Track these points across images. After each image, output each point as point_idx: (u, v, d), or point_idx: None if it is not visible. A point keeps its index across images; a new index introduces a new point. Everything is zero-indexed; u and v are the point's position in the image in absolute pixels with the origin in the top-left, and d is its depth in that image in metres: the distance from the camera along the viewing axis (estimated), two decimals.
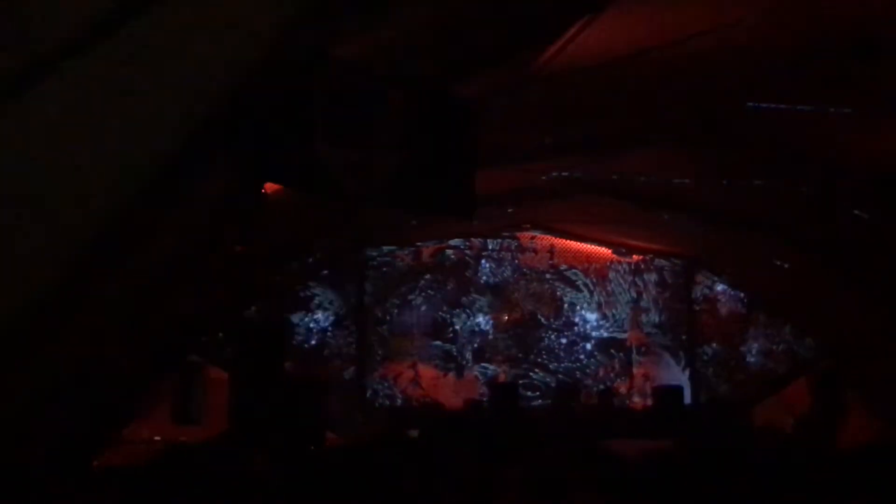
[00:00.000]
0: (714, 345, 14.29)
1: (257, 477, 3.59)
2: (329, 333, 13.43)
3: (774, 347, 13.76)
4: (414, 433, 9.39)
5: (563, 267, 14.24)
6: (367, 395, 13.44)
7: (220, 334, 11.47)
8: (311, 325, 13.29)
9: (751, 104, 7.70)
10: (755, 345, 13.96)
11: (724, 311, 14.35)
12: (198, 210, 6.18)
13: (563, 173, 10.28)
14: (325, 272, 13.39)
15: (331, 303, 13.46)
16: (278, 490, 3.63)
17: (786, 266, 11.75)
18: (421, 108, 5.13)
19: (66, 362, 5.84)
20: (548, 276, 14.23)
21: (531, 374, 13.88)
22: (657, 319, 14.43)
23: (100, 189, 3.95)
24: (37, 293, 4.02)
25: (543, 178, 10.45)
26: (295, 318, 13.09)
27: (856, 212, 9.53)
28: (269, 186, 7.23)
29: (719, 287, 14.39)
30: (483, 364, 13.80)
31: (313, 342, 13.29)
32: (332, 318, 13.45)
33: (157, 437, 10.48)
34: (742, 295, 14.12)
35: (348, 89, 4.74)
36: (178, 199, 5.49)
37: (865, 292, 10.88)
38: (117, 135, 4.15)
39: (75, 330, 5.57)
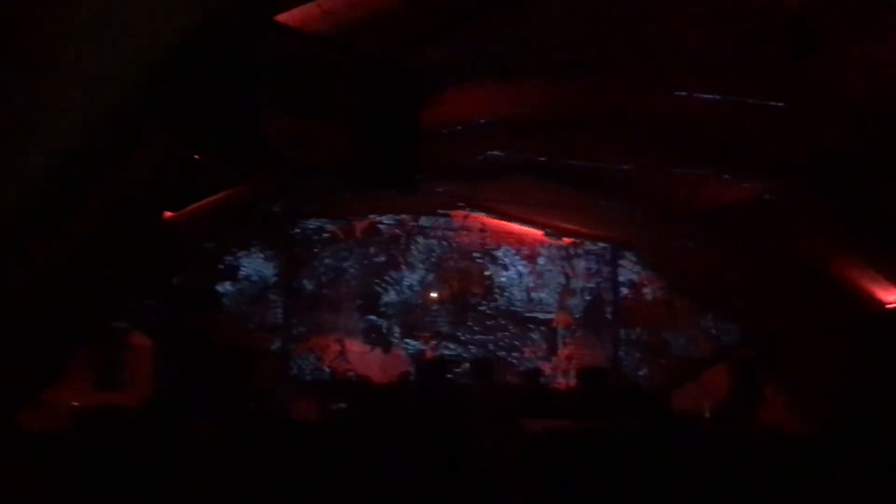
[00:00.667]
0: (638, 329, 14.52)
1: (201, 445, 3.55)
2: (256, 304, 13.29)
3: (696, 333, 14.03)
4: (341, 407, 9.38)
5: (495, 247, 14.32)
6: (293, 367, 13.36)
7: (146, 301, 11.27)
8: (238, 294, 13.13)
9: (682, 93, 7.81)
10: (678, 330, 14.21)
11: (649, 295, 14.59)
12: (131, 175, 6.05)
13: (500, 153, 10.31)
14: (255, 242, 13.23)
15: (259, 273, 13.32)
16: (222, 459, 3.59)
17: (709, 253, 11.97)
18: (368, 78, 5.08)
19: None
20: (479, 255, 14.30)
21: (459, 351, 13.96)
22: (584, 302, 14.61)
23: (35, 150, 3.84)
24: None
25: (479, 157, 10.47)
26: (222, 288, 12.92)
27: (779, 203, 9.75)
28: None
29: (645, 272, 14.61)
30: (411, 340, 13.83)
31: (239, 312, 13.14)
32: (259, 288, 13.31)
33: (75, 403, 10.28)
34: (666, 280, 14.36)
35: (295, 57, 4.67)
36: (113, 164, 5.37)
37: (785, 282, 11.15)
38: (53, 98, 4.04)
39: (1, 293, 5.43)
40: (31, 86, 3.96)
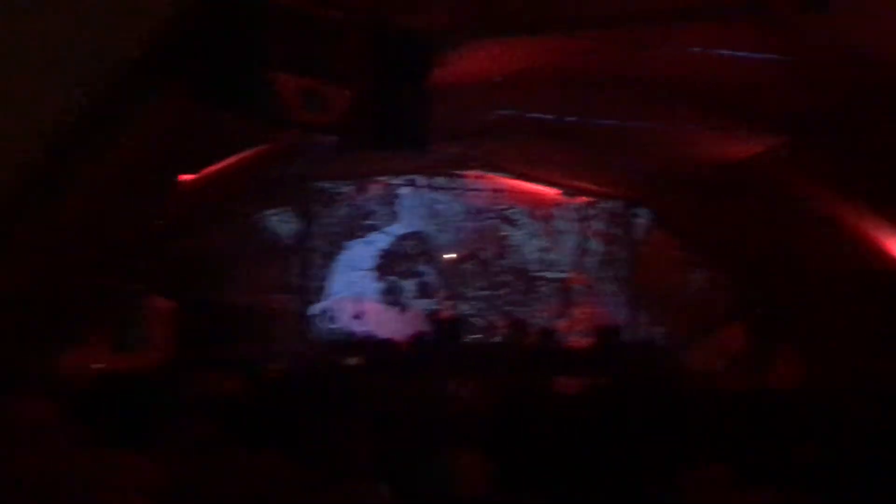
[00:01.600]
0: (654, 286, 14.55)
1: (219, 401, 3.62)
2: (272, 265, 13.39)
3: (711, 291, 14.03)
4: (353, 361, 9.47)
5: (509, 206, 14.34)
6: (310, 327, 13.48)
7: (163, 264, 11.36)
8: (255, 255, 13.22)
9: (694, 49, 7.77)
10: (692, 288, 14.22)
11: (663, 253, 14.59)
12: (146, 134, 6.11)
13: (511, 112, 10.29)
14: (270, 203, 13.29)
15: (275, 234, 13.41)
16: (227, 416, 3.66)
17: (723, 210, 11.95)
18: (378, 38, 5.09)
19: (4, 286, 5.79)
20: (493, 215, 14.34)
21: (474, 311, 14.04)
22: (599, 260, 14.65)
23: (46, 105, 3.89)
24: None
25: (491, 117, 10.46)
26: (239, 248, 13.01)
27: (791, 158, 9.71)
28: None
29: (660, 230, 14.61)
30: (426, 300, 13.92)
31: (256, 273, 13.23)
32: (275, 249, 13.41)
33: (96, 365, 10.40)
34: (682, 238, 14.35)
35: (305, 16, 4.69)
36: (126, 122, 5.42)
37: (799, 237, 11.13)
38: (64, 51, 4.08)
39: (14, 253, 5.52)
40: (36, 37, 3.99)
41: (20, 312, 6.75)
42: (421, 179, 14.07)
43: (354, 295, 13.68)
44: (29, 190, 4.61)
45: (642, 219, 14.71)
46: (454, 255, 14.18)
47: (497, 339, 13.63)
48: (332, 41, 4.93)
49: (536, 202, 14.45)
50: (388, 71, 5.19)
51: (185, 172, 8.92)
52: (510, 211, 14.35)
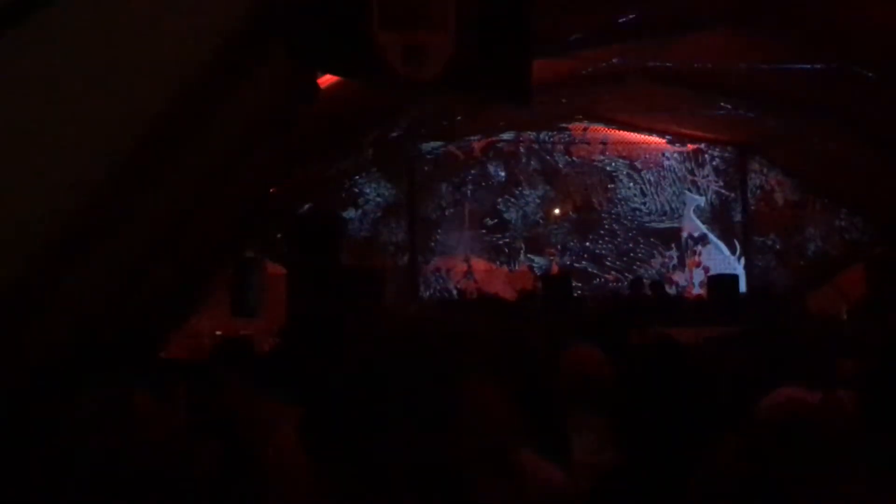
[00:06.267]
0: (769, 233, 14.18)
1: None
2: (381, 227, 13.51)
3: (830, 234, 13.61)
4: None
5: (616, 158, 14.11)
6: (421, 287, 13.59)
7: (276, 229, 11.57)
8: (363, 218, 13.36)
9: None
10: (810, 232, 13.82)
11: (779, 198, 14.20)
12: (251, 101, 6.19)
13: (617, 61, 10.10)
14: (376, 166, 13.39)
15: (381, 196, 13.51)
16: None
17: (841, 152, 11.54)
18: None
19: (125, 256, 5.96)
20: (600, 167, 14.13)
21: (584, 265, 13.90)
22: (712, 209, 14.33)
23: (152, 77, 3.98)
24: (95, 183, 4.08)
25: (590, 69, 10.30)
26: (347, 213, 13.16)
27: None
28: (323, 81, 7.22)
29: (774, 175, 14.20)
30: (535, 256, 13.85)
31: (366, 236, 13.38)
32: (383, 212, 13.52)
33: (218, 332, 10.71)
34: (797, 182, 13.92)
35: None
36: (231, 90, 5.50)
37: None
38: (168, 23, 4.16)
39: (133, 224, 5.67)
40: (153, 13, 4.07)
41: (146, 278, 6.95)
42: (527, 134, 13.94)
43: (463, 253, 13.72)
44: (148, 160, 4.72)
45: (756, 163, 14.30)
46: (562, 209, 14.06)
47: (608, 292, 13.49)
48: None
49: (645, 151, 14.18)
50: (490, 21, 5.13)
51: (296, 138, 9.03)
52: (618, 162, 14.12)
